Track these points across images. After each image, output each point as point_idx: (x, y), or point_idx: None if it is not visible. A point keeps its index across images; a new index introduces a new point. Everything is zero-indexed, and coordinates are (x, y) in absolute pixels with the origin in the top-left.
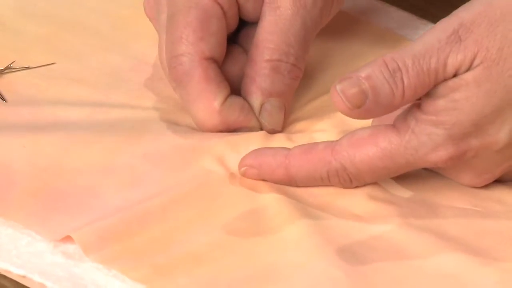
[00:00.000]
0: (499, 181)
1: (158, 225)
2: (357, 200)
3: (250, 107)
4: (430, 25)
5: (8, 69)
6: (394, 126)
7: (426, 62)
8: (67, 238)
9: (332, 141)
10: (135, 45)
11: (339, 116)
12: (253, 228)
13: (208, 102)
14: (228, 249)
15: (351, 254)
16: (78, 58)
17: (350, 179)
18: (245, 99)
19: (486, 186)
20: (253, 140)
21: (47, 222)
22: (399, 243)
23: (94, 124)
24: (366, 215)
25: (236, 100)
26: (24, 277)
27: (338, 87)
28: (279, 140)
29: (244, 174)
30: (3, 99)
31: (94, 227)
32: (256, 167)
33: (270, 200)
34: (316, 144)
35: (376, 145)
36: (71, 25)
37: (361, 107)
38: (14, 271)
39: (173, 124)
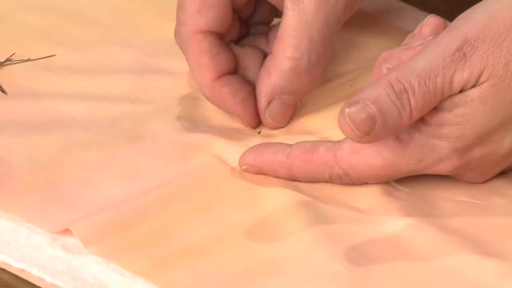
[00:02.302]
0: (500, 173)
1: (157, 218)
2: (359, 193)
3: (248, 97)
4: None
5: (8, 61)
6: (396, 136)
7: (432, 81)
8: (66, 231)
9: (333, 143)
10: (135, 37)
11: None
12: (253, 221)
13: (200, 75)
14: (228, 242)
15: (352, 249)
16: (78, 49)
17: (352, 182)
18: (257, 87)
19: (487, 179)
20: (252, 139)
21: (46, 215)
22: (400, 237)
23: (94, 123)
24: (367, 209)
25: (232, 82)
26: (23, 270)
27: (347, 113)
28: (277, 139)
29: (245, 171)
30: (3, 91)
31: (93, 220)
32: (257, 166)
33: (271, 193)
34: (317, 145)
35: (378, 154)
36: (71, 17)
37: (370, 133)
38: (13, 264)
39: (172, 119)
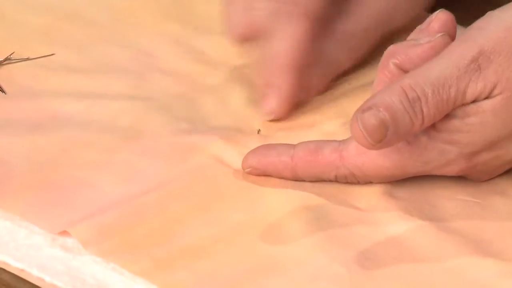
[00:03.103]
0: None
1: (157, 218)
2: (360, 193)
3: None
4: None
5: (7, 60)
6: None
7: (446, 91)
8: (66, 231)
9: (338, 143)
10: (134, 36)
11: (337, 106)
12: (253, 222)
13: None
14: (228, 242)
15: (353, 249)
16: (77, 48)
17: (357, 181)
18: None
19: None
20: (252, 139)
21: (45, 215)
22: (400, 237)
23: (93, 123)
24: (368, 209)
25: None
26: (22, 270)
27: (359, 119)
28: (277, 139)
29: (248, 174)
30: (3, 91)
31: (92, 222)
32: (261, 169)
33: (271, 193)
34: (321, 145)
35: (385, 156)
36: (70, 16)
37: (382, 141)
38: (13, 264)
39: (171, 119)
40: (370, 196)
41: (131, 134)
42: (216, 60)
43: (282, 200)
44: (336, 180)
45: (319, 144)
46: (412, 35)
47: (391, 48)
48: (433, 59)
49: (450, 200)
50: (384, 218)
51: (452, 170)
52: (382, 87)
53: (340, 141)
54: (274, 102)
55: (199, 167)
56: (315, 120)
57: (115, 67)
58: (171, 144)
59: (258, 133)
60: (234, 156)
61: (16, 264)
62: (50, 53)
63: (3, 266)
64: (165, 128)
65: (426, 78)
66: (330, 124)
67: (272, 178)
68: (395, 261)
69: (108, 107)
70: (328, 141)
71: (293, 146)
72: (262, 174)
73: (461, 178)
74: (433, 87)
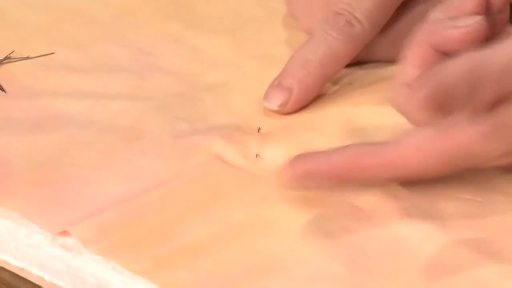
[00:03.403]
0: (501, 170)
1: (157, 217)
2: (360, 192)
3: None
4: None
5: (7, 59)
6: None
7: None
8: (66, 231)
9: (387, 145)
10: (134, 35)
11: (339, 106)
12: (253, 220)
13: None
14: (228, 241)
15: (353, 249)
16: (77, 47)
17: (408, 180)
18: None
19: (489, 176)
20: (252, 138)
21: (45, 214)
22: (400, 236)
23: (94, 122)
24: (368, 208)
25: None
26: (22, 269)
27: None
28: (277, 138)
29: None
30: (3, 89)
31: (93, 221)
32: (306, 175)
33: (272, 192)
34: (372, 149)
35: (439, 156)
36: (70, 15)
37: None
38: (13, 263)
39: (171, 118)
40: (371, 196)
41: (131, 134)
42: (216, 60)
43: (282, 199)
44: (388, 181)
45: (371, 148)
46: (441, 11)
47: (427, 26)
48: (496, 45)
49: (451, 199)
50: (385, 218)
51: (498, 163)
52: (417, 63)
53: (384, 143)
54: (283, 98)
55: (200, 166)
56: (316, 119)
57: (115, 67)
58: (171, 144)
59: (258, 131)
60: (234, 155)
61: (16, 263)
62: (50, 52)
63: (3, 265)
64: (165, 128)
65: (492, 62)
66: (331, 123)
67: (272, 177)
68: (395, 261)
69: (108, 107)
70: (375, 144)
71: (334, 151)
72: (307, 181)
73: (462, 177)
74: (501, 67)
